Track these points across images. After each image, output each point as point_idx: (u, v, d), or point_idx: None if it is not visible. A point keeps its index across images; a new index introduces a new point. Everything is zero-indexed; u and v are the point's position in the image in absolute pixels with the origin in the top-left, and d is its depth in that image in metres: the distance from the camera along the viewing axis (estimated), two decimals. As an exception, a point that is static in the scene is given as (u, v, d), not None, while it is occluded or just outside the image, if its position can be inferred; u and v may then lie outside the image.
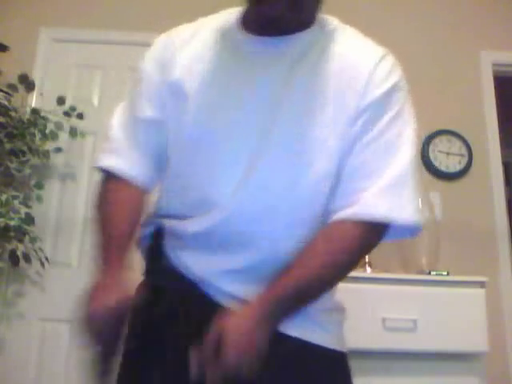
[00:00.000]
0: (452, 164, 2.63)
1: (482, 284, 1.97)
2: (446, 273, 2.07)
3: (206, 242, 0.86)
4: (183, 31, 0.96)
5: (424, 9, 2.84)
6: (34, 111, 2.46)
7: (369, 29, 3.11)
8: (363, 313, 1.87)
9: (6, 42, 2.57)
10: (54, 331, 2.39)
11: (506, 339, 2.40)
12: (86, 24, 2.78)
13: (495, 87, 2.74)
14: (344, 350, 0.95)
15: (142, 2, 2.73)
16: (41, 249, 2.35)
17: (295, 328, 0.84)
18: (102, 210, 0.93)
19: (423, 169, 2.63)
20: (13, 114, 2.42)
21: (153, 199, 0.99)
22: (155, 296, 0.88)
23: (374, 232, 0.84)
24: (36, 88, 2.61)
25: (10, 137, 2.35)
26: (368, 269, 2.18)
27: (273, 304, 0.78)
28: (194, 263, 0.87)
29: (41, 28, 2.78)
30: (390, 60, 0.94)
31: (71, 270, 2.45)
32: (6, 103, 2.43)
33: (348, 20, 2.98)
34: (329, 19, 0.96)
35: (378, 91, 0.87)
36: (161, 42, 0.97)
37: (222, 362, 0.72)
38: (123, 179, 0.93)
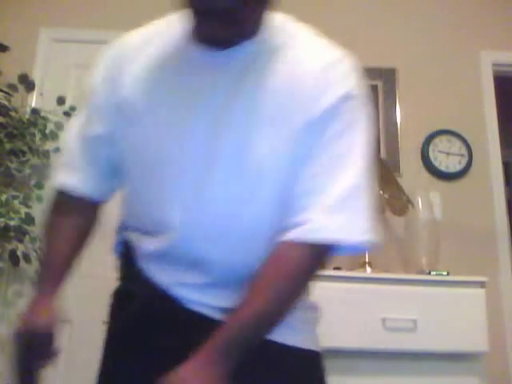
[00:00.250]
0: (452, 164, 2.63)
1: (482, 284, 1.97)
2: (446, 273, 2.07)
3: (165, 259, 0.86)
4: (131, 43, 0.91)
5: (424, 9, 2.84)
6: (34, 111, 2.46)
7: (369, 29, 3.13)
8: (363, 313, 1.87)
9: (5, 42, 2.57)
10: (54, 331, 2.38)
11: (506, 339, 2.40)
12: (85, 24, 2.78)
13: (495, 87, 2.74)
14: (318, 349, 0.96)
15: (141, 3, 2.74)
16: (41, 249, 2.34)
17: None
18: (48, 233, 0.97)
19: (423, 169, 2.63)
20: (13, 114, 2.42)
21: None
22: (127, 300, 0.91)
23: (321, 253, 0.80)
24: (36, 88, 2.62)
25: (10, 137, 2.35)
26: (368, 269, 2.18)
27: (220, 350, 0.75)
28: (159, 274, 0.88)
29: (41, 28, 2.78)
30: (343, 66, 0.85)
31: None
32: (6, 103, 2.43)
33: (348, 20, 2.97)
34: (283, 23, 0.89)
35: (325, 101, 0.80)
36: (108, 55, 0.94)
37: None
38: (75, 196, 0.94)
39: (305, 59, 0.84)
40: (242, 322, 0.77)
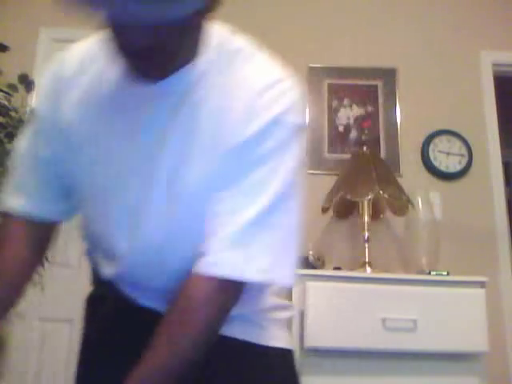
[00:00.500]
0: (452, 164, 2.63)
1: (482, 284, 1.97)
2: (446, 273, 2.07)
3: (122, 281, 0.88)
4: (67, 68, 0.87)
5: (424, 9, 2.85)
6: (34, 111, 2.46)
7: (369, 29, 3.13)
8: (363, 313, 1.87)
9: (6, 42, 2.57)
10: (54, 331, 2.39)
11: (506, 339, 2.40)
12: (85, 24, 2.77)
13: (495, 87, 2.74)
14: (288, 346, 0.95)
15: (142, 2, 2.74)
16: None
17: (233, 330, 0.86)
18: None
19: (423, 169, 2.63)
20: (13, 114, 2.42)
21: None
22: (100, 305, 0.93)
23: (228, 286, 0.75)
24: (36, 88, 2.61)
25: (10, 137, 2.35)
26: (368, 269, 2.18)
27: None
28: (120, 285, 0.90)
29: (41, 28, 2.78)
30: (279, 88, 0.80)
31: (71, 270, 2.45)
32: (6, 103, 2.43)
33: (348, 20, 2.97)
34: (221, 42, 0.83)
35: (252, 127, 0.77)
36: (48, 78, 0.90)
37: None
38: (23, 219, 0.90)
39: (241, 84, 0.80)
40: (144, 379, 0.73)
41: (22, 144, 0.92)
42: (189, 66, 0.79)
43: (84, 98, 0.84)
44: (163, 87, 0.79)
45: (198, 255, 0.76)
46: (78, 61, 0.87)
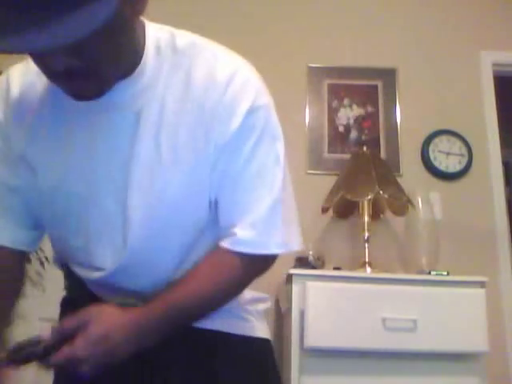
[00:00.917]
0: (452, 164, 2.63)
1: (482, 284, 1.97)
2: (446, 273, 2.07)
3: (105, 286, 0.89)
4: (14, 90, 0.84)
5: (424, 9, 2.84)
6: (34, 111, 2.46)
7: (369, 29, 3.12)
8: (363, 313, 1.87)
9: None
10: (54, 331, 2.39)
11: (506, 339, 2.40)
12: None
13: (495, 87, 2.74)
14: (266, 336, 1.00)
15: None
16: (41, 249, 2.34)
17: (215, 322, 0.90)
18: None
19: (423, 169, 2.63)
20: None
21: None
22: (74, 309, 0.93)
23: (249, 261, 0.85)
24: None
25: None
26: (368, 269, 2.18)
27: (151, 322, 0.79)
28: (103, 295, 0.90)
29: (41, 28, 2.78)
30: (239, 79, 0.81)
31: (71, 270, 2.45)
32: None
33: (348, 20, 2.97)
34: (169, 41, 0.82)
35: (233, 123, 0.80)
36: None
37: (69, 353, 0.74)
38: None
39: (198, 84, 0.80)
40: (180, 300, 0.81)
41: None
42: (133, 75, 0.78)
43: (32, 123, 0.82)
44: (111, 100, 0.78)
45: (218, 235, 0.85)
46: (19, 86, 0.84)
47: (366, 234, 2.24)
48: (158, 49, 0.81)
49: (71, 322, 0.77)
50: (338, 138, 2.65)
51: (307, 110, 2.68)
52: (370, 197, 2.23)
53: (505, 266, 2.50)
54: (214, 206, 0.85)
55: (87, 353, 0.73)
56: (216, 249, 0.85)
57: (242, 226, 0.83)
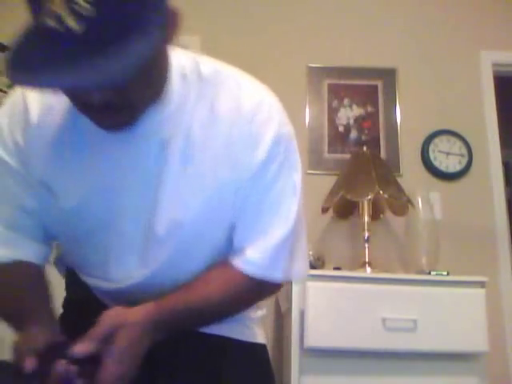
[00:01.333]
0: (452, 164, 2.63)
1: (482, 284, 1.97)
2: (446, 273, 2.07)
3: (121, 295, 0.90)
4: (32, 110, 0.82)
5: (424, 9, 2.84)
6: (34, 111, 2.46)
7: (369, 29, 3.11)
8: (363, 313, 1.87)
9: (5, 42, 2.57)
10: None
11: (506, 339, 2.40)
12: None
13: (495, 87, 2.74)
14: (263, 341, 1.03)
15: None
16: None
17: (221, 329, 0.92)
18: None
19: (423, 169, 2.63)
20: (13, 114, 2.42)
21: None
22: (76, 309, 0.96)
23: (254, 282, 0.87)
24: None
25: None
26: (368, 269, 2.18)
27: (164, 316, 0.80)
28: (110, 302, 0.91)
29: (41, 28, 2.78)
30: (264, 109, 0.84)
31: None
32: (6, 103, 2.43)
33: (348, 20, 2.97)
34: (194, 70, 0.83)
35: (258, 154, 0.83)
36: (5, 127, 0.83)
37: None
38: (16, 265, 0.87)
39: (225, 113, 0.82)
40: (189, 302, 0.83)
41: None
42: (160, 102, 0.79)
43: (52, 147, 0.82)
44: (138, 128, 0.78)
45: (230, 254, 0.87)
46: (38, 109, 0.83)
47: (366, 234, 2.24)
48: (183, 76, 0.81)
49: (97, 334, 0.75)
50: (338, 138, 2.65)
51: (307, 110, 2.68)
52: (370, 197, 2.22)
53: (505, 266, 2.50)
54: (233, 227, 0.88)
55: (120, 370, 0.73)
56: (226, 263, 0.87)
57: (254, 248, 0.85)
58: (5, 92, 2.45)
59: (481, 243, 2.52)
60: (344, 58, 2.75)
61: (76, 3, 0.58)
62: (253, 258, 0.85)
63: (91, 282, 0.93)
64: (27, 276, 0.87)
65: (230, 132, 0.82)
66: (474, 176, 2.63)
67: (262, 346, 1.01)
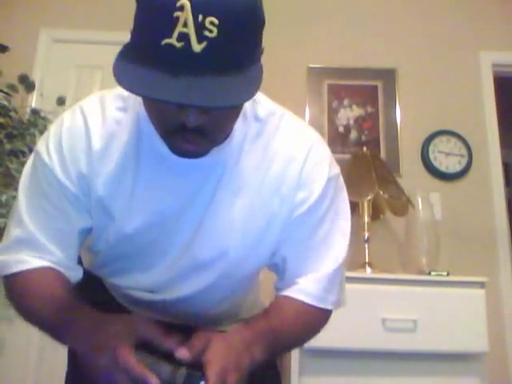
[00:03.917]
0: (452, 164, 2.63)
1: (482, 284, 1.97)
2: (446, 273, 2.07)
3: (154, 307, 0.94)
4: (94, 140, 0.84)
5: (424, 9, 2.85)
6: (34, 112, 2.46)
7: (369, 29, 3.12)
8: (363, 313, 1.87)
9: (6, 43, 2.57)
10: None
11: (505, 339, 2.40)
12: (85, 24, 2.78)
13: (495, 87, 2.74)
14: None
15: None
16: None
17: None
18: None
19: (423, 169, 2.63)
20: (13, 114, 2.42)
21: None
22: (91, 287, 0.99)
23: (311, 312, 0.90)
24: (36, 88, 2.61)
25: (10, 137, 2.35)
26: (368, 269, 2.18)
27: (256, 339, 0.80)
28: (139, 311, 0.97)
29: (41, 28, 2.78)
30: (316, 152, 0.89)
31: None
32: (6, 104, 2.43)
33: (348, 20, 2.96)
34: (252, 110, 0.88)
35: (310, 196, 0.88)
36: (67, 153, 0.84)
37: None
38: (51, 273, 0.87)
39: (283, 154, 0.87)
40: (277, 326, 0.84)
41: (36, 209, 0.85)
42: (232, 137, 0.84)
43: (114, 174, 0.83)
44: (201, 161, 0.80)
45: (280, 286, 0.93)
46: (100, 137, 0.84)
47: (366, 235, 2.24)
48: (244, 116, 0.85)
49: (195, 345, 0.74)
50: (338, 139, 2.65)
51: (307, 110, 2.68)
52: (369, 197, 2.23)
53: (505, 266, 2.50)
54: (280, 259, 0.91)
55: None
56: (286, 296, 0.90)
57: (307, 279, 0.90)
58: (5, 93, 2.45)
59: (481, 243, 2.52)
60: (344, 58, 2.75)
61: (206, 28, 0.62)
62: (306, 288, 0.88)
63: (122, 290, 0.97)
64: (71, 293, 0.86)
65: (283, 174, 0.86)
66: (474, 176, 2.63)
67: None
